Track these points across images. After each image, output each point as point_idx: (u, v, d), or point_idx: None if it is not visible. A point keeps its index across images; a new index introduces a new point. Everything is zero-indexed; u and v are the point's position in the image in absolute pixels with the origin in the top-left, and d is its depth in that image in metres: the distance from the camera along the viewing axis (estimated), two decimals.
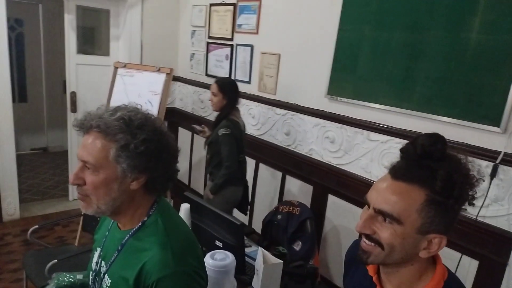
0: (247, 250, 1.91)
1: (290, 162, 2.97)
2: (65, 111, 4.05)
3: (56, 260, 2.21)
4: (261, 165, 3.30)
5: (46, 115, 5.49)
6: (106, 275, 1.04)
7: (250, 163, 3.36)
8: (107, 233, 1.12)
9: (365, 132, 2.42)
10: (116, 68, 3.60)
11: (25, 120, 4.92)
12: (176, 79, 4.20)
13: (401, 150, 0.87)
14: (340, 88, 2.56)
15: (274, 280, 1.62)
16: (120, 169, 0.96)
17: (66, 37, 3.83)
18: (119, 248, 1.03)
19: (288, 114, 2.98)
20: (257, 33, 3.24)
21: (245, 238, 1.89)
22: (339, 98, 2.56)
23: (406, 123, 2.20)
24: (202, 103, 3.94)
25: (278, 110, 3.06)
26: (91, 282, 1.12)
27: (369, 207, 0.86)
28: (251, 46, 3.31)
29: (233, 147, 2.60)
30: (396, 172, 0.84)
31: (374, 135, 2.37)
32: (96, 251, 1.14)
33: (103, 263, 1.08)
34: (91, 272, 1.13)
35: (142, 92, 3.44)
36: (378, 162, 2.35)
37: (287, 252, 1.91)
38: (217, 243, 1.81)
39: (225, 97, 2.69)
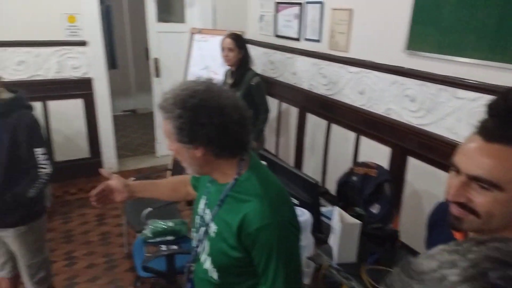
0: (322, 209, 1.83)
1: (364, 123, 2.75)
2: (149, 76, 4.17)
3: (151, 208, 2.36)
4: (333, 126, 3.11)
5: (133, 80, 5.76)
6: (212, 221, 1.10)
7: (321, 123, 3.20)
8: (209, 185, 1.17)
9: (451, 89, 2.11)
10: (192, 34, 3.56)
11: (116, 85, 5.19)
12: (246, 41, 4.07)
13: (490, 106, 0.71)
14: (421, 41, 2.24)
15: (352, 239, 1.53)
16: (178, 140, 1.02)
17: (147, 6, 3.86)
18: (221, 198, 1.08)
19: (362, 72, 2.73)
20: None
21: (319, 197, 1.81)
22: (419, 53, 2.26)
23: (499, 78, 1.86)
24: (272, 64, 3.79)
25: (351, 68, 2.82)
26: (198, 225, 1.19)
27: (457, 172, 0.73)
28: (321, 3, 3.04)
29: (265, 92, 2.70)
30: (489, 132, 0.69)
31: (462, 93, 2.06)
32: (202, 198, 1.19)
33: (207, 211, 1.14)
34: (197, 216, 1.20)
35: (215, 55, 3.39)
36: (466, 122, 2.05)
37: (365, 213, 1.79)
38: (293, 200, 1.75)
39: (241, 51, 2.71)
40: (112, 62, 4.27)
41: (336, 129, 3.08)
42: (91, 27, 3.50)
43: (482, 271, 0.34)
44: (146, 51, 4.27)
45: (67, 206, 3.35)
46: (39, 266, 1.93)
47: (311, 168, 3.37)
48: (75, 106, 3.67)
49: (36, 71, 3.44)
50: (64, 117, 3.63)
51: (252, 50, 4.07)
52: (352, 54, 2.81)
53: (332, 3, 2.93)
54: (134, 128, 5.28)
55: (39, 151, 1.74)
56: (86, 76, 3.63)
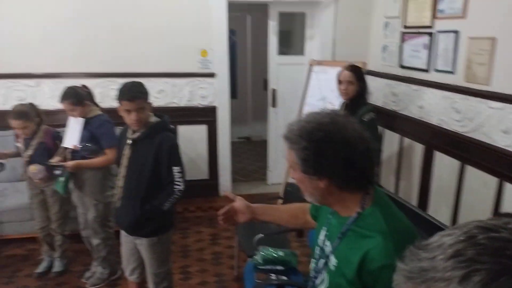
0: None
1: (509, 167, 2.37)
2: (266, 105, 4.39)
3: (262, 235, 2.41)
4: (467, 167, 2.76)
5: (250, 109, 6.14)
6: (332, 255, 1.09)
7: (452, 164, 2.88)
8: (330, 216, 1.16)
9: None
10: (311, 65, 3.66)
11: (234, 113, 5.60)
12: (367, 72, 3.99)
13: None
14: None
15: None
16: (301, 171, 1.04)
17: (269, 40, 4.12)
18: (343, 232, 1.06)
19: (507, 108, 2.39)
20: (463, 17, 2.73)
21: None
22: None
23: None
24: (395, 97, 3.62)
25: (493, 104, 2.49)
26: (317, 256, 1.18)
27: None
28: (456, 32, 2.81)
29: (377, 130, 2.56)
30: None
31: None
32: (323, 229, 1.19)
33: (328, 242, 1.13)
34: (316, 247, 1.20)
35: (333, 86, 3.39)
36: None
37: None
38: None
39: (359, 84, 2.59)
40: (233, 92, 4.67)
41: (471, 171, 2.72)
42: (220, 61, 3.88)
43: (471, 235, 0.44)
44: (265, 82, 4.53)
45: (186, 222, 3.65)
46: (164, 276, 2.11)
47: (438, 214, 3.04)
48: (200, 131, 4.06)
49: (171, 99, 3.93)
50: (190, 141, 4.04)
51: (373, 81, 3.97)
52: (494, 87, 2.49)
53: (470, 31, 2.69)
54: (248, 154, 5.58)
55: (176, 170, 1.93)
56: (212, 104, 4.00)
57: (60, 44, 3.58)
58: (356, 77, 2.62)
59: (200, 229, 3.53)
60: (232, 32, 5.72)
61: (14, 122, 2.49)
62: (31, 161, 2.57)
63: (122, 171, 1.99)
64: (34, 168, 2.49)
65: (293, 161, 1.05)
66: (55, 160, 2.51)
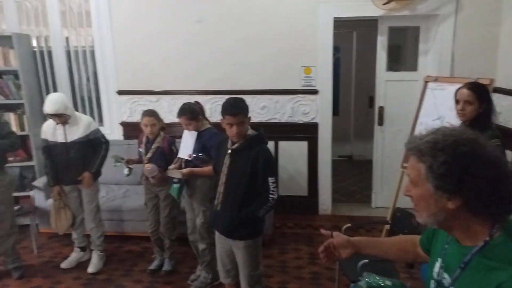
0: None
1: None
2: (370, 124, 4.23)
3: (367, 260, 2.29)
4: None
5: (352, 127, 5.98)
6: (453, 287, 1.01)
7: None
8: (446, 246, 1.07)
9: None
10: (426, 82, 3.42)
11: (335, 131, 5.51)
12: (496, 90, 3.57)
13: None
14: None
15: None
16: (431, 187, 0.95)
17: (378, 56, 3.99)
18: (466, 261, 0.97)
19: None
20: None
21: None
22: None
23: None
24: None
25: None
26: None
27: None
28: None
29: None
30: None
31: None
32: (437, 261, 1.10)
33: (445, 275, 1.05)
34: (432, 281, 1.11)
35: (452, 106, 3.10)
36: None
37: None
38: None
39: (481, 105, 2.26)
40: (335, 109, 4.60)
41: None
42: (323, 78, 3.88)
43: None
44: (370, 99, 4.38)
45: (284, 238, 3.68)
46: (257, 279, 2.24)
47: None
48: (301, 147, 4.09)
49: (273, 115, 4.06)
50: (290, 157, 4.10)
51: (504, 100, 3.53)
52: None
53: None
54: (349, 174, 5.42)
55: (271, 180, 2.10)
56: (313, 121, 4.02)
57: (178, 65, 4.03)
58: (477, 96, 2.31)
59: (299, 246, 3.52)
60: (336, 49, 5.70)
61: (146, 119, 2.90)
62: (148, 163, 2.92)
63: (222, 178, 2.18)
64: (148, 166, 2.85)
65: (419, 175, 0.97)
66: (172, 167, 2.79)
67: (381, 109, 4.02)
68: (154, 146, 2.96)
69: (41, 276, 3.13)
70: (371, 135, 4.24)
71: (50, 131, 3.03)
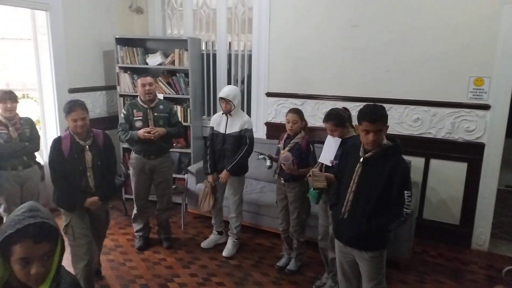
0: None
1: None
2: None
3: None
4: None
5: None
6: None
7: None
8: None
9: None
10: None
11: (506, 155, 4.69)
12: None
13: None
14: None
15: None
16: None
17: None
18: None
19: None
20: None
21: None
22: None
23: None
24: None
25: None
26: None
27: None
28: None
29: None
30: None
31: None
32: None
33: None
34: None
35: None
36: None
37: None
38: None
39: None
40: (509, 129, 3.87)
41: None
42: (499, 91, 3.36)
43: None
44: None
45: (424, 266, 3.33)
46: None
47: None
48: (458, 169, 3.63)
49: (427, 129, 3.71)
50: (443, 178, 3.69)
51: None
52: None
53: None
54: None
55: (407, 193, 2.03)
56: (478, 141, 3.52)
57: (326, 70, 4.07)
58: None
59: (441, 279, 3.13)
60: None
61: (289, 115, 3.05)
62: None
63: (352, 186, 2.13)
64: (284, 152, 2.97)
65: None
66: (316, 170, 2.79)
67: None
68: (293, 141, 3.06)
69: (185, 250, 3.60)
70: None
71: (217, 121, 3.45)
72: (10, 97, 3.18)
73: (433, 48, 3.56)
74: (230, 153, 3.37)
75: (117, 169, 3.91)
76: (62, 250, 1.19)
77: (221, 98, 3.33)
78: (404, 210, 2.03)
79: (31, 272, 1.11)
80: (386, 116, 2.07)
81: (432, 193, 3.74)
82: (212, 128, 3.49)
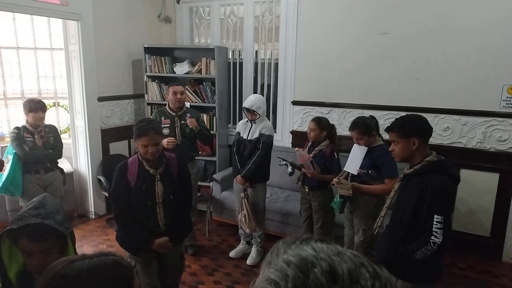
0: None
1: None
2: None
3: None
4: None
5: None
6: None
7: None
8: None
9: None
10: None
11: None
12: None
13: None
14: None
15: None
16: None
17: None
18: None
19: None
20: None
21: None
22: None
23: None
24: None
25: None
26: None
27: None
28: None
29: None
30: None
31: None
32: None
33: None
34: None
35: None
36: None
37: None
38: None
39: None
40: None
41: None
42: None
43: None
44: None
45: (453, 279, 3.33)
46: None
47: None
48: (489, 180, 3.61)
49: (458, 138, 3.72)
50: (473, 188, 3.67)
51: None
52: None
53: None
54: None
55: (437, 218, 1.82)
56: (511, 151, 3.50)
57: (353, 79, 4.13)
58: None
59: None
60: None
61: (311, 123, 3.18)
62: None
63: (387, 201, 2.11)
64: (297, 149, 3.07)
65: None
66: (342, 178, 2.86)
67: None
68: (317, 148, 3.13)
69: (209, 257, 3.72)
70: None
71: (243, 127, 3.56)
72: (41, 106, 3.39)
73: (464, 55, 3.58)
74: (248, 159, 3.46)
75: (194, 203, 3.65)
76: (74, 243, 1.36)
77: (245, 108, 3.40)
78: (432, 239, 1.81)
79: (33, 264, 1.27)
80: (405, 127, 1.96)
81: (462, 203, 3.72)
82: (238, 133, 3.59)
